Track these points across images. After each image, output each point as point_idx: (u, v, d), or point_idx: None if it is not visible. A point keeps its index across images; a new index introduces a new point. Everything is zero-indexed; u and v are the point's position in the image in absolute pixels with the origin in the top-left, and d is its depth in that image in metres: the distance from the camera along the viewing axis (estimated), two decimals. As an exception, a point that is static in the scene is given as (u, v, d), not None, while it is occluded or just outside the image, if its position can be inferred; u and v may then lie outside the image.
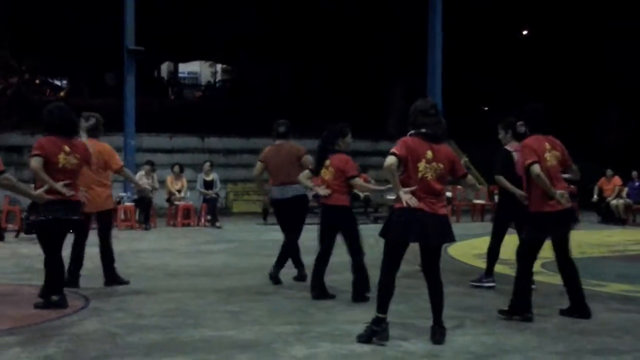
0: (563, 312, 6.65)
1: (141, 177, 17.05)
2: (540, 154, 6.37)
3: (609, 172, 19.98)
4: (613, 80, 29.18)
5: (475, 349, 5.42)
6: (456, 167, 5.81)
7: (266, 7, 29.12)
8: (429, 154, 5.56)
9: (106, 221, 8.46)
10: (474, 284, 8.50)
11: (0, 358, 5.04)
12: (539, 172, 6.26)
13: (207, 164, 17.99)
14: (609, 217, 19.39)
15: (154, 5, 24.72)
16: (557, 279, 8.96)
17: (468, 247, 12.59)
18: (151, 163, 17.39)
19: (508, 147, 8.18)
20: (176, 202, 17.48)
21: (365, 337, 5.50)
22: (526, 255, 6.68)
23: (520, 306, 6.47)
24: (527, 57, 31.50)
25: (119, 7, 19.85)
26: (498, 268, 9.97)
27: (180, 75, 47.90)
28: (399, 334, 5.83)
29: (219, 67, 47.37)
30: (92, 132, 8.36)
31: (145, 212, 16.49)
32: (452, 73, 23.38)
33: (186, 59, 43.88)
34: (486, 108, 35.27)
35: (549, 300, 7.45)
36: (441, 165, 5.60)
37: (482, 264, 10.44)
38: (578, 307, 6.58)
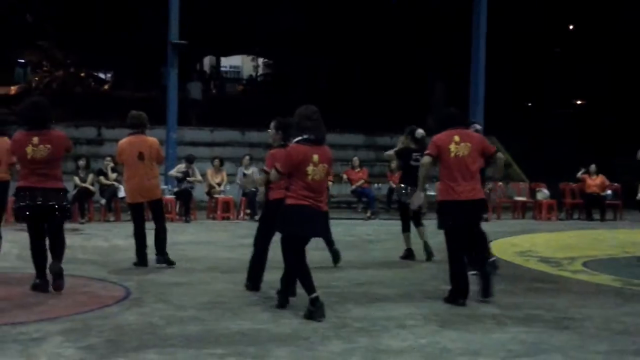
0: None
1: (179, 170, 17.23)
2: (443, 145, 7.00)
3: None
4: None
5: (514, 347, 5.37)
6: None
7: (308, 1, 29.12)
8: (315, 157, 6.23)
9: (158, 209, 9.27)
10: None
11: (43, 347, 5.13)
12: (423, 162, 7.24)
13: (247, 158, 18.07)
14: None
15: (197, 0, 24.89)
16: (598, 278, 8.87)
17: (508, 244, 12.48)
18: (191, 157, 17.52)
19: None
20: (216, 196, 17.59)
21: (308, 316, 6.12)
22: (449, 242, 7.04)
23: (453, 290, 6.91)
24: (570, 52, 31.06)
25: (164, 1, 20.03)
26: (537, 266, 9.90)
27: (222, 69, 48.11)
28: (436, 331, 5.81)
29: (260, 61, 47.50)
30: (135, 129, 9.08)
31: (186, 205, 16.63)
32: (494, 68, 23.15)
33: (228, 53, 44.09)
34: (529, 104, 34.86)
35: (590, 300, 7.35)
36: (326, 166, 6.33)
37: (522, 261, 10.37)
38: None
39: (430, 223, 9.99)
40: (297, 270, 6.36)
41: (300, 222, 6.25)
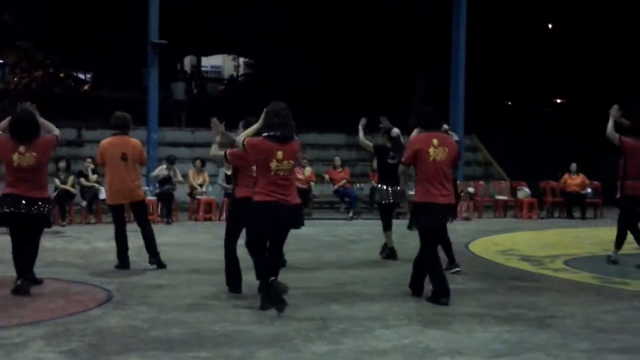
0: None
1: (161, 171, 17.16)
2: (423, 149, 7.06)
3: None
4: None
5: (497, 346, 5.40)
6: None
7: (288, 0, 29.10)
8: (279, 154, 6.38)
9: (141, 210, 9.22)
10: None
11: (25, 352, 5.10)
12: (401, 171, 7.57)
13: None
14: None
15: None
16: (579, 276, 8.94)
17: (490, 243, 12.55)
18: (172, 158, 17.44)
19: None
20: (198, 197, 17.53)
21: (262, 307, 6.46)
22: (426, 242, 7.14)
23: (436, 291, 6.96)
24: (551, 50, 31.23)
25: (144, 1, 19.93)
26: (519, 264, 9.96)
27: (203, 68, 47.94)
28: (419, 330, 5.83)
29: (241, 60, 47.40)
30: (119, 130, 9.04)
31: (167, 206, 16.55)
32: (475, 67, 23.23)
33: (209, 53, 43.97)
34: (509, 102, 35.04)
35: (571, 298, 7.40)
36: (292, 162, 6.49)
37: (504, 260, 10.43)
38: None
39: (401, 223, 10.07)
40: (257, 261, 6.58)
41: (268, 217, 6.40)
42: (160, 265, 9.02)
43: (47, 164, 7.51)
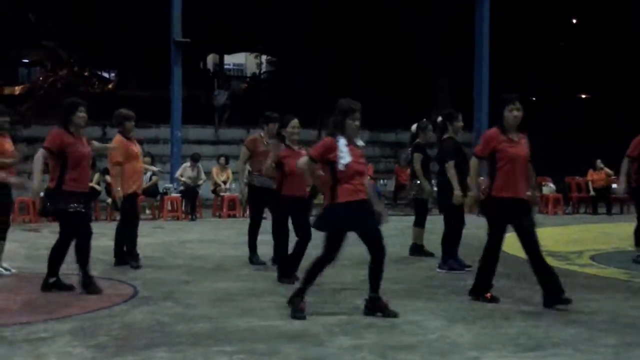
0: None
1: (185, 168, 17.26)
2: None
3: None
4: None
5: (523, 341, 5.36)
6: None
7: (311, -2, 29.12)
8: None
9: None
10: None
11: (52, 346, 5.14)
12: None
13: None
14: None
15: (199, -2, 24.90)
16: (606, 272, 8.85)
17: (515, 239, 12.43)
18: (196, 155, 17.52)
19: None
20: (222, 194, 17.61)
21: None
22: (497, 236, 6.93)
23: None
24: (575, 46, 30.96)
25: (166, 0, 20.04)
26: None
27: (226, 67, 48.09)
28: (445, 326, 5.81)
29: (264, 58, 47.48)
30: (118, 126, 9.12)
31: (192, 203, 16.65)
32: (498, 63, 23.09)
33: (231, 51, 44.10)
34: (534, 98, 34.79)
35: (598, 293, 7.33)
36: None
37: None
38: None
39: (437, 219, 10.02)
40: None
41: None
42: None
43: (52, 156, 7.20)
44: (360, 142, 6.36)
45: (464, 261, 8.83)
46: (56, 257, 7.22)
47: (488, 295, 6.78)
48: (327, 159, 6.12)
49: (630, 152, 9.52)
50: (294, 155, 7.72)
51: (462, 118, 9.28)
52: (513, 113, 6.72)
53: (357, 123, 6.25)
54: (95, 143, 7.99)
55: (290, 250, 7.93)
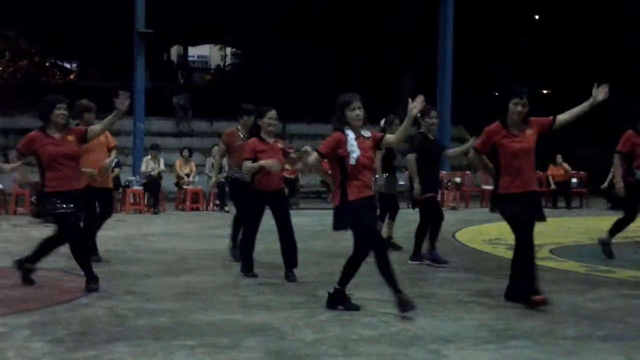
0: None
1: (147, 162, 17.12)
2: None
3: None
4: (625, 66, 28.96)
5: (483, 333, 5.41)
6: None
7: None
8: None
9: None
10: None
11: (10, 341, 5.06)
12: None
13: (216, 148, 17.98)
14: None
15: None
16: (564, 265, 8.98)
17: (477, 232, 12.59)
18: (156, 147, 17.38)
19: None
20: (185, 187, 17.50)
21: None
22: (522, 231, 6.65)
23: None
24: (538, 42, 31.29)
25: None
26: (505, 253, 9.98)
27: (190, 58, 47.78)
28: (406, 318, 5.84)
29: (228, 50, 47.25)
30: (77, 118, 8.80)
31: (154, 196, 16.52)
32: (462, 58, 23.25)
33: (196, 43, 43.81)
34: (496, 93, 35.11)
35: (557, 286, 7.43)
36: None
37: (491, 249, 10.46)
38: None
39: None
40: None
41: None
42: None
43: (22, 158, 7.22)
44: (367, 133, 6.30)
45: (442, 257, 8.80)
46: (44, 247, 7.17)
47: (537, 298, 6.19)
48: (336, 154, 6.06)
49: (620, 148, 9.50)
50: (269, 150, 7.68)
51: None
52: (518, 108, 6.40)
53: (358, 112, 6.20)
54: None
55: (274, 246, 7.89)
